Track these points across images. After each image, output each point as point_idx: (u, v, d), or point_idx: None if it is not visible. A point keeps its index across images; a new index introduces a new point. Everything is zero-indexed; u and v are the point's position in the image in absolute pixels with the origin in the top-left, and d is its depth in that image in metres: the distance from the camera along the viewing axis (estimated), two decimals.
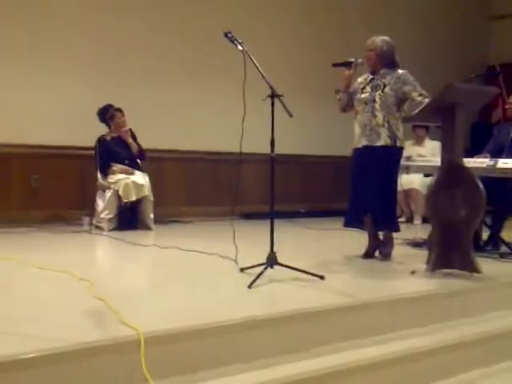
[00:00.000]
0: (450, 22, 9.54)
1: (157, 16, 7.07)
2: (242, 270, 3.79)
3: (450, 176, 3.85)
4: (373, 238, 4.52)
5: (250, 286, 3.35)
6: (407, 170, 5.50)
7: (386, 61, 4.38)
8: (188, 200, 7.35)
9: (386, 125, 4.30)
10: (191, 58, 7.21)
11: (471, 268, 3.81)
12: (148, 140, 6.52)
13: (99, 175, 6.29)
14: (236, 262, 4.00)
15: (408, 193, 7.19)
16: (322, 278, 3.59)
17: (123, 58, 6.78)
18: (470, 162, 4.50)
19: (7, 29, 6.19)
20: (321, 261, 4.27)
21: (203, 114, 7.36)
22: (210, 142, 7.28)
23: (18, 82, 6.28)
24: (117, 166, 6.28)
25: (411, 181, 6.99)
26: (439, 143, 4.13)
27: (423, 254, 4.22)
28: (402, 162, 4.67)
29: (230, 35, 3.81)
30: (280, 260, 3.65)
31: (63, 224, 6.20)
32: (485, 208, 3.85)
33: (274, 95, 3.63)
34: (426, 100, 4.13)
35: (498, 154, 4.95)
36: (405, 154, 4.78)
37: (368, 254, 4.50)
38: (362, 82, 4.47)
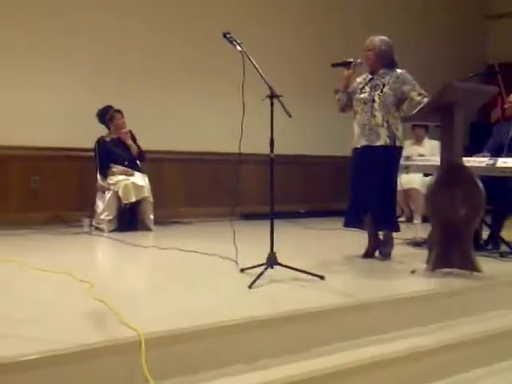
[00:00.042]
0: (449, 22, 9.55)
1: (157, 16, 7.07)
2: (242, 270, 3.79)
3: (449, 175, 3.86)
4: (373, 237, 4.52)
5: (250, 287, 3.35)
6: (407, 169, 5.50)
7: (384, 60, 4.39)
8: (188, 201, 7.35)
9: (386, 124, 4.30)
10: (191, 58, 7.21)
11: (471, 267, 3.81)
12: (147, 141, 6.51)
13: (99, 176, 6.29)
14: (236, 262, 4.00)
15: (408, 192, 7.19)
16: (322, 278, 3.59)
17: (123, 58, 6.78)
18: (470, 161, 4.50)
19: (7, 29, 6.19)
20: (321, 261, 4.28)
21: (202, 115, 7.36)
22: (210, 143, 7.29)
23: (18, 82, 6.27)
24: (116, 168, 6.28)
25: (411, 180, 6.99)
26: (438, 143, 4.14)
27: (423, 253, 4.22)
28: (402, 162, 4.67)
29: (228, 36, 3.81)
30: (280, 260, 3.65)
31: (63, 225, 6.20)
32: (484, 207, 3.86)
33: (272, 95, 3.63)
34: (425, 99, 4.14)
35: (497, 152, 4.95)
36: (404, 153, 4.78)
37: (368, 254, 4.50)
38: (361, 82, 4.47)
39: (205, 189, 7.44)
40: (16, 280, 3.70)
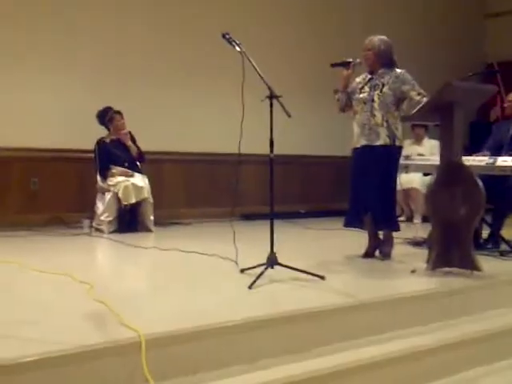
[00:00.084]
0: (448, 21, 9.55)
1: (157, 16, 7.07)
2: (242, 270, 3.78)
3: (449, 175, 3.86)
4: (373, 237, 4.52)
5: (250, 287, 3.35)
6: (406, 169, 5.50)
7: (384, 60, 4.39)
8: (188, 202, 7.35)
9: (385, 124, 4.30)
10: (191, 58, 7.21)
11: (471, 266, 3.81)
12: (147, 142, 6.51)
13: (99, 178, 6.29)
14: (236, 262, 4.00)
15: (407, 192, 7.19)
16: (322, 278, 3.59)
17: (123, 58, 6.79)
18: (469, 161, 4.50)
19: (7, 29, 6.19)
20: (321, 261, 4.28)
21: (202, 115, 7.36)
22: (209, 144, 7.29)
23: (17, 82, 6.27)
24: (116, 169, 6.28)
25: (411, 180, 6.99)
26: (438, 142, 4.14)
27: (423, 252, 4.22)
28: (401, 161, 4.67)
29: (227, 36, 3.81)
30: (280, 260, 3.65)
31: (63, 227, 6.21)
32: (484, 206, 3.85)
33: (272, 96, 3.63)
34: (425, 99, 4.14)
35: (497, 151, 4.95)
36: (404, 153, 4.79)
37: (368, 254, 4.50)
38: (360, 82, 4.47)
39: (205, 189, 7.44)
40: (16, 281, 3.70)
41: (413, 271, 3.91)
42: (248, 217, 7.26)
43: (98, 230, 6.09)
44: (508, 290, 3.81)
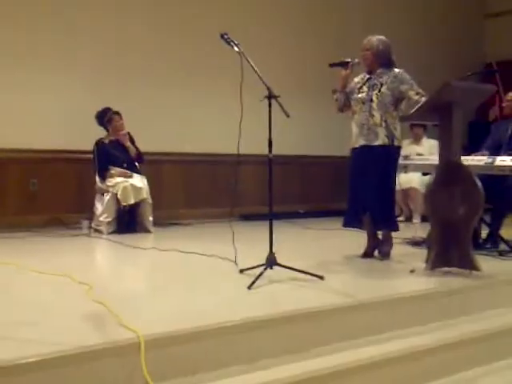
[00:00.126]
0: (448, 21, 9.55)
1: (157, 16, 7.08)
2: (241, 271, 3.78)
3: (448, 174, 3.86)
4: (372, 237, 4.52)
5: (249, 287, 3.35)
6: (405, 169, 5.50)
7: (382, 60, 4.39)
8: (187, 202, 7.35)
9: (384, 124, 4.30)
10: (191, 58, 7.22)
11: (470, 266, 3.81)
12: (146, 143, 6.51)
13: (97, 179, 6.28)
14: (235, 263, 4.00)
15: (406, 192, 7.19)
16: (321, 278, 3.59)
17: (123, 58, 6.79)
18: (468, 160, 4.50)
19: (7, 29, 6.19)
20: (320, 261, 4.28)
21: (201, 116, 7.36)
22: (208, 144, 7.29)
23: (17, 82, 6.26)
24: (115, 170, 6.28)
25: (409, 180, 6.99)
26: (437, 142, 4.14)
27: (422, 252, 4.22)
28: (400, 161, 4.67)
29: (226, 37, 3.81)
30: (279, 261, 3.65)
31: (62, 228, 6.21)
32: (483, 206, 3.86)
33: (270, 96, 3.63)
34: (423, 99, 4.14)
35: (496, 151, 4.95)
36: (403, 152, 4.79)
37: (367, 254, 4.50)
38: (358, 82, 4.47)
39: (204, 190, 7.44)
40: (15, 282, 3.70)
41: (412, 271, 3.92)
42: (247, 217, 7.26)
43: (97, 230, 6.09)
44: (507, 289, 3.81)
